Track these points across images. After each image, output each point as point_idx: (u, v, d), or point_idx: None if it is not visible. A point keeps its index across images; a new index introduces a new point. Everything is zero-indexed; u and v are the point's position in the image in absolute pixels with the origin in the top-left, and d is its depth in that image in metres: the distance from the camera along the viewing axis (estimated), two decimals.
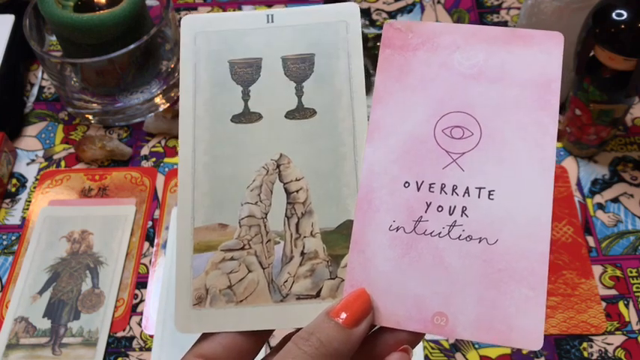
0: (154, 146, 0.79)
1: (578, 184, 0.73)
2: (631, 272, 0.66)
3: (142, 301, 0.67)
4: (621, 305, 0.64)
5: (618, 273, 0.66)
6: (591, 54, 0.65)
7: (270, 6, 0.93)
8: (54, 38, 0.82)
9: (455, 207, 0.34)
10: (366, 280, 0.34)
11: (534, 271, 0.33)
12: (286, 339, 0.34)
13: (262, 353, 0.36)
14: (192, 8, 0.93)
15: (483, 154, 0.34)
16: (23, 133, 0.81)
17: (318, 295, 0.35)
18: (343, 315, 0.32)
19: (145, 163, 0.77)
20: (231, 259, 0.35)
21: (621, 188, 0.72)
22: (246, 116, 0.37)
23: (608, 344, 0.62)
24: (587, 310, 0.64)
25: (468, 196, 0.34)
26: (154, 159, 0.77)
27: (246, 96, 0.37)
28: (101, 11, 0.72)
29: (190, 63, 0.38)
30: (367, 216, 0.35)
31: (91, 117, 0.80)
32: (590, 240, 0.68)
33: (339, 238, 0.35)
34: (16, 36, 0.84)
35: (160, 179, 0.76)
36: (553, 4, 0.68)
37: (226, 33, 0.38)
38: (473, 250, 0.33)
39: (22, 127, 0.81)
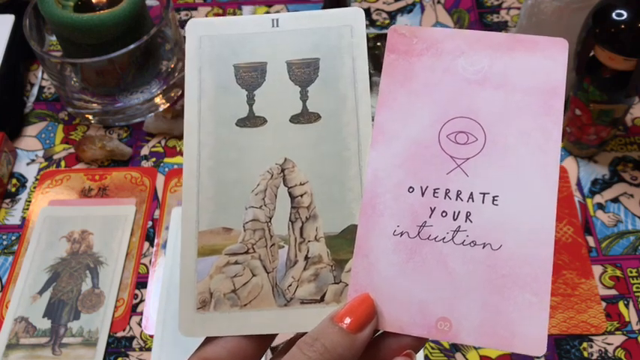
0: (154, 146, 0.79)
1: (578, 184, 0.73)
2: (631, 272, 0.66)
3: (142, 301, 0.67)
4: (621, 305, 0.64)
5: (618, 273, 0.66)
6: (591, 54, 0.65)
7: (269, 6, 0.93)
8: (54, 38, 0.82)
9: (459, 212, 0.34)
10: (370, 284, 0.34)
11: (538, 277, 0.33)
12: (290, 343, 0.35)
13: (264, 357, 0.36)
14: (192, 8, 0.93)
15: (487, 160, 0.34)
16: (23, 133, 0.81)
17: (322, 299, 0.35)
18: (347, 320, 0.32)
19: (145, 163, 0.77)
20: (236, 262, 0.35)
21: (621, 188, 0.72)
22: (251, 120, 0.37)
23: (608, 344, 0.62)
24: (587, 310, 0.64)
25: (472, 201, 0.34)
26: (154, 159, 0.77)
27: (250, 100, 0.37)
28: (101, 11, 0.72)
29: (195, 67, 0.38)
30: (371, 221, 0.35)
31: (91, 117, 0.80)
32: (590, 240, 0.69)
33: (343, 242, 0.35)
34: (16, 36, 0.84)
35: (160, 179, 0.76)
36: (553, 4, 0.68)
37: (231, 37, 0.38)
38: (477, 255, 0.33)
39: (22, 127, 0.81)
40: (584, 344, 0.62)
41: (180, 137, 0.79)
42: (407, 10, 0.91)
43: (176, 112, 0.79)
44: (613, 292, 0.65)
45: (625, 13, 0.61)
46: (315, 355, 0.31)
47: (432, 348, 0.63)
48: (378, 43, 0.83)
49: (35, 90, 0.85)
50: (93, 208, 0.73)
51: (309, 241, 0.35)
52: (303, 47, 0.38)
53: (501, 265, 0.33)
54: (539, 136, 0.34)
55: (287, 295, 0.35)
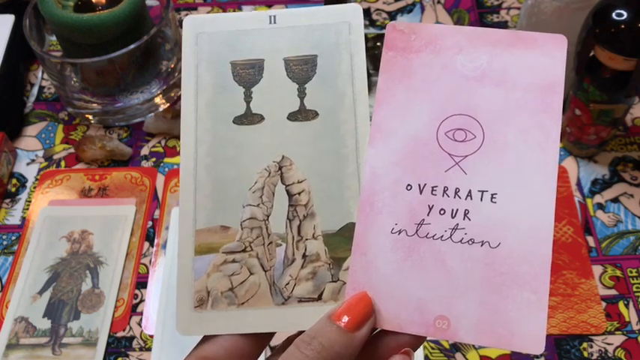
0: (154, 146, 0.79)
1: (578, 184, 0.73)
2: (631, 272, 0.66)
3: (141, 301, 0.67)
4: (621, 305, 0.64)
5: (618, 273, 0.66)
6: (591, 54, 0.65)
7: (270, 6, 0.93)
8: (54, 38, 0.82)
9: (457, 210, 0.34)
10: (367, 283, 0.34)
11: (536, 275, 0.33)
12: (288, 341, 0.34)
13: (263, 355, 0.36)
14: (192, 8, 0.93)
15: (486, 157, 0.34)
16: (23, 133, 0.80)
17: (319, 297, 0.35)
18: (345, 318, 0.32)
19: (145, 163, 0.77)
20: (233, 261, 0.35)
21: (621, 188, 0.72)
22: (248, 118, 0.37)
23: (608, 344, 0.62)
24: (587, 310, 0.64)
25: (471, 199, 0.34)
26: (154, 159, 0.77)
27: (248, 97, 0.37)
28: (101, 11, 0.72)
29: (192, 64, 0.38)
30: (369, 218, 0.34)
31: (91, 117, 0.80)
32: (590, 240, 0.68)
33: (341, 240, 0.35)
34: (16, 36, 0.84)
35: (160, 179, 0.76)
36: (553, 4, 0.68)
37: (228, 34, 0.38)
38: (475, 253, 0.33)
39: (22, 127, 0.81)
40: (584, 344, 0.62)
41: (180, 137, 0.79)
42: (407, 10, 0.91)
43: (176, 112, 0.79)
44: (613, 292, 0.65)
45: (625, 13, 0.61)
46: (313, 353, 0.31)
47: (432, 348, 0.62)
48: (378, 43, 0.83)
49: (35, 90, 0.85)
50: (93, 208, 0.73)
51: (306, 239, 0.35)
52: (301, 44, 0.38)
53: (500, 263, 0.33)
54: (538, 133, 0.34)
55: (284, 294, 0.35)
